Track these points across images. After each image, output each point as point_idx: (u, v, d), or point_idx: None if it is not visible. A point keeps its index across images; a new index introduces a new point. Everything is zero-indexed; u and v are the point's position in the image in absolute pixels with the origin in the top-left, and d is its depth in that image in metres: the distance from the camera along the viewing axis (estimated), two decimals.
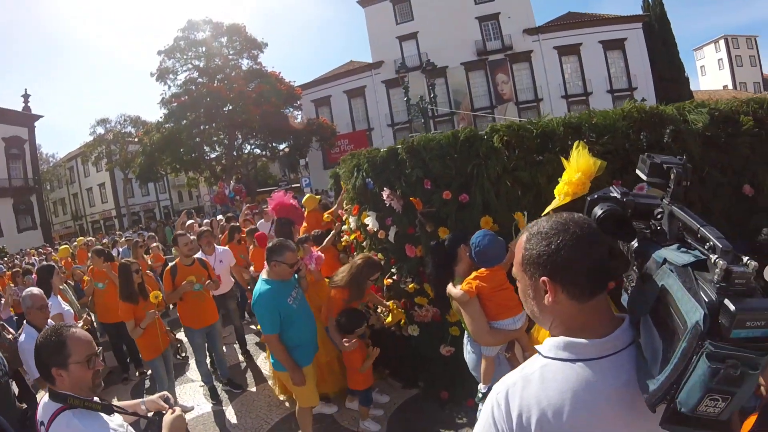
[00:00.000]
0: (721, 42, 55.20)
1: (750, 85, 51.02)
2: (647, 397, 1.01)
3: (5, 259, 19.82)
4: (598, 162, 2.78)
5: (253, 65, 34.13)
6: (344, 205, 5.71)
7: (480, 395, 3.17)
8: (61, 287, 6.27)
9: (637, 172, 1.36)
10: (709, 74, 56.72)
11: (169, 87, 33.16)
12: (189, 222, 10.88)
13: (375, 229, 4.77)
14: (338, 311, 4.36)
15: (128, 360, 7.05)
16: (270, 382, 5.69)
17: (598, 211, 1.25)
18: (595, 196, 1.31)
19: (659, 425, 1.00)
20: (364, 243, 5.19)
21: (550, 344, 1.20)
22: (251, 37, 34.26)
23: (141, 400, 2.46)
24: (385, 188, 4.45)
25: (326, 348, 4.63)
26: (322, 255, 5.07)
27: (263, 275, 3.97)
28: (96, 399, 2.16)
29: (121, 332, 6.29)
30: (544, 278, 1.16)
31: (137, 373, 7.03)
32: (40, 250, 15.85)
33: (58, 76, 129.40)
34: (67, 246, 11.32)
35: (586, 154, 2.84)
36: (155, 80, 33.11)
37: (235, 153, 34.47)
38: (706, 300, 0.91)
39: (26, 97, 38.49)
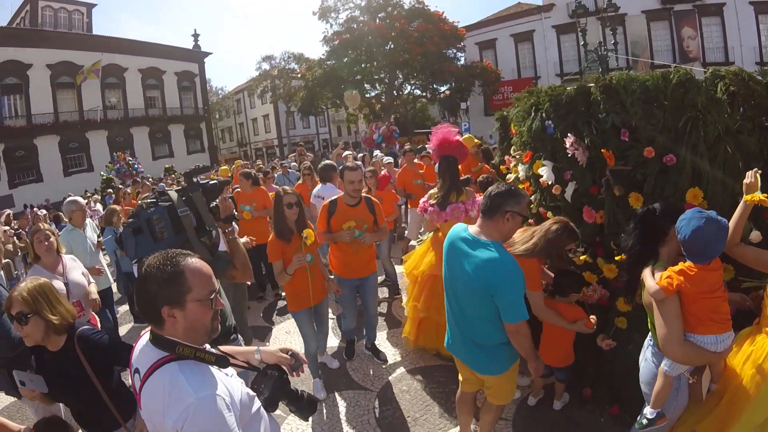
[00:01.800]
0: None
1: None
2: None
3: (173, 175, 22.09)
4: None
5: (416, 4, 33.18)
6: (512, 151, 5.03)
7: (645, 421, 2.52)
8: None
9: None
10: None
11: (331, 25, 34.00)
12: (346, 153, 10.92)
13: (549, 183, 4.04)
14: (538, 282, 3.53)
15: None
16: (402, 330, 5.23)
17: None
18: None
19: None
20: (533, 197, 4.48)
21: None
22: None
23: (257, 348, 2.15)
24: (569, 134, 3.67)
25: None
26: None
27: (482, 236, 2.82)
28: (207, 347, 1.80)
29: (261, 253, 6.10)
30: None
31: (273, 294, 7.33)
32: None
33: (227, 17, 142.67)
34: (226, 167, 11.99)
35: None
36: (317, 19, 34.12)
37: (395, 92, 34.48)
38: None
39: (196, 36, 44.47)
